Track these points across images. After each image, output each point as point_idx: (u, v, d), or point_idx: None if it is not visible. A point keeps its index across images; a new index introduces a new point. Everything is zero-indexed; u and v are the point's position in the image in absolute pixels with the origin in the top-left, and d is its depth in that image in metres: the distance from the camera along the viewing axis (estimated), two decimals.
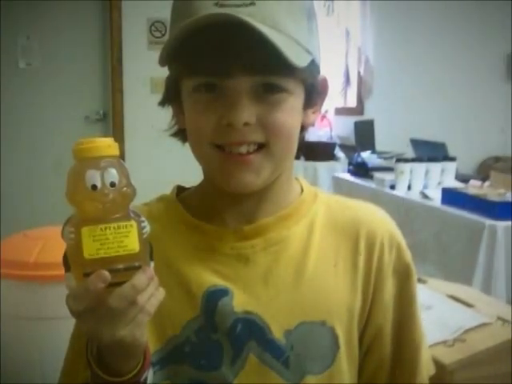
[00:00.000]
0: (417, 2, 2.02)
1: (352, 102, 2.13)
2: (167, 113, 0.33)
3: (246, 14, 0.27)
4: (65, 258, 0.25)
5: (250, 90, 0.28)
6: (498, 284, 0.96)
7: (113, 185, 0.24)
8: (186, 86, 0.30)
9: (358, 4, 2.02)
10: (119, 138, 1.74)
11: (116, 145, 0.25)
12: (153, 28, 1.78)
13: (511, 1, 2.01)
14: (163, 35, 1.78)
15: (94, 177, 0.24)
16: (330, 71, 2.00)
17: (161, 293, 0.25)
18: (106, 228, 0.24)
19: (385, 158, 1.58)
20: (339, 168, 1.71)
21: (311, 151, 1.69)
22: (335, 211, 0.34)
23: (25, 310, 0.76)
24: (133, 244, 0.24)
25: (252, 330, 0.30)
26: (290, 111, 0.30)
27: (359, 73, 2.08)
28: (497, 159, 2.06)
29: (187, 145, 0.32)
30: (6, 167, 1.74)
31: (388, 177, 1.33)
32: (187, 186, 0.35)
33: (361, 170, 1.49)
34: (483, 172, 1.78)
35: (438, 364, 0.46)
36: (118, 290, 0.24)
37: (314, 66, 0.30)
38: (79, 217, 0.25)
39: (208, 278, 0.31)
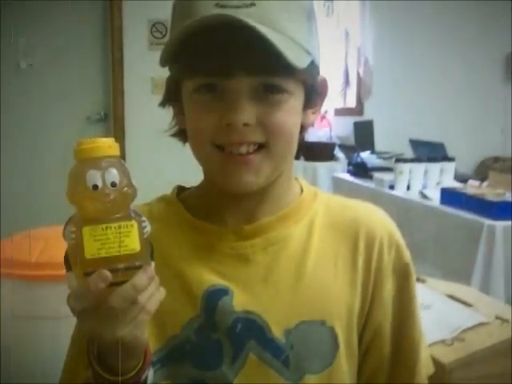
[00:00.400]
0: (416, 3, 2.02)
1: (351, 103, 2.14)
2: (168, 113, 0.33)
3: (246, 15, 0.27)
4: (66, 257, 0.25)
5: (250, 91, 0.29)
6: (496, 283, 0.96)
7: (114, 185, 0.24)
8: (187, 86, 0.30)
9: (358, 5, 2.02)
10: (120, 138, 1.74)
11: (117, 145, 0.25)
12: (153, 29, 1.78)
13: (511, 1, 2.02)
14: (164, 36, 1.78)
15: (95, 177, 0.24)
16: (330, 72, 2.01)
17: (161, 292, 0.25)
18: (106, 228, 0.24)
19: (384, 158, 1.58)
20: (339, 168, 1.71)
21: (311, 151, 1.69)
22: (335, 211, 0.34)
23: (26, 309, 0.77)
24: (134, 244, 0.25)
25: (252, 329, 0.30)
26: (289, 111, 0.30)
27: (358, 73, 2.08)
28: (496, 159, 2.06)
29: (188, 145, 0.32)
30: (8, 167, 1.74)
31: (387, 177, 1.34)
32: (187, 186, 0.36)
33: (360, 170, 1.49)
34: (482, 172, 1.79)
35: (436, 363, 0.46)
36: (119, 289, 0.24)
37: (313, 66, 0.30)
38: (80, 217, 0.25)
39: (208, 277, 0.31)
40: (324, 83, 0.33)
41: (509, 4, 2.04)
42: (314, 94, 0.31)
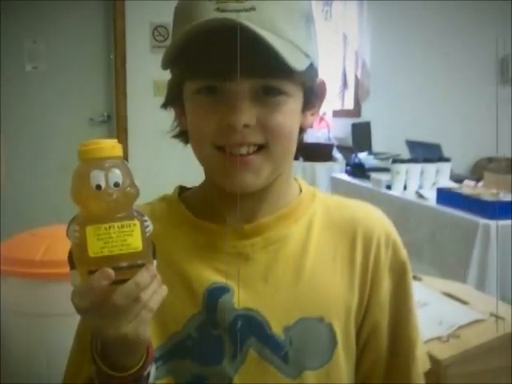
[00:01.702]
0: (413, 6, 2.05)
1: (349, 105, 2.16)
2: (170, 115, 0.34)
3: (246, 19, 0.27)
4: (70, 256, 0.25)
5: (250, 93, 0.29)
6: (491, 281, 0.98)
7: (117, 185, 0.25)
8: (188, 88, 0.31)
9: (356, 9, 2.04)
10: (123, 139, 1.75)
11: (120, 146, 0.26)
12: (155, 32, 1.80)
13: (511, 5, 2.05)
14: (165, 39, 1.80)
15: (98, 177, 0.25)
16: (328, 74, 2.02)
17: (163, 290, 0.26)
18: (109, 227, 0.25)
19: (381, 159, 1.59)
20: (337, 169, 1.73)
21: (310, 152, 1.70)
22: (333, 211, 0.34)
23: (30, 307, 0.77)
24: (136, 242, 0.25)
25: (252, 326, 0.31)
26: (289, 113, 0.30)
27: (356, 76, 2.10)
28: (490, 160, 2.09)
29: (189, 146, 0.33)
30: (12, 168, 1.73)
31: (384, 177, 1.35)
32: (189, 186, 0.36)
33: (358, 170, 1.51)
34: (477, 172, 1.81)
35: (432, 359, 0.47)
36: (122, 287, 0.24)
37: (312, 69, 0.31)
38: (84, 216, 0.25)
39: (209, 275, 0.31)
40: (322, 85, 0.33)
41: (504, 6, 2.07)
42: (312, 95, 0.32)
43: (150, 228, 0.26)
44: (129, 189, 0.25)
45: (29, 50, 1.75)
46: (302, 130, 0.33)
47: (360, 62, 2.07)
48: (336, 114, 2.09)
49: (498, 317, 0.59)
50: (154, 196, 0.36)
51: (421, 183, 1.28)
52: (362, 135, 1.90)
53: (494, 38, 2.08)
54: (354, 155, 1.61)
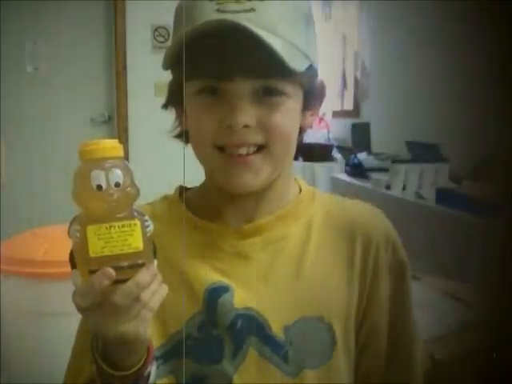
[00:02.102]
0: (412, 8, 2.05)
1: (349, 105, 2.17)
2: (170, 115, 0.34)
3: (246, 20, 0.28)
4: (71, 255, 0.26)
5: (250, 93, 0.29)
6: (490, 281, 0.98)
7: (117, 185, 0.25)
8: (188, 89, 0.31)
9: (355, 10, 2.06)
10: (123, 139, 1.75)
11: (120, 146, 0.26)
12: (156, 33, 1.80)
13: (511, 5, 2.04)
14: (166, 40, 1.81)
15: (99, 177, 0.25)
16: (328, 75, 2.04)
17: (164, 290, 0.26)
18: (110, 227, 0.25)
19: (380, 159, 1.60)
20: (336, 169, 1.73)
21: (309, 152, 1.70)
22: (333, 211, 0.35)
23: (31, 306, 0.77)
24: (137, 242, 0.25)
25: (252, 325, 0.31)
26: (288, 114, 0.30)
27: (356, 77, 2.12)
28: (489, 160, 2.09)
29: (190, 146, 0.33)
30: (13, 168, 1.72)
31: (384, 177, 1.36)
32: (189, 186, 0.36)
33: (357, 170, 1.52)
34: (476, 173, 1.81)
35: (432, 359, 0.47)
36: (122, 286, 0.24)
37: (311, 70, 0.31)
38: (85, 216, 0.25)
39: (209, 275, 0.32)
40: (322, 86, 0.33)
41: (504, 6, 2.07)
42: (312, 96, 0.32)
43: (151, 228, 0.26)
44: (129, 189, 0.26)
45: (30, 51, 1.76)
46: (301, 131, 0.33)
47: (359, 63, 2.08)
48: (335, 114, 2.11)
49: (497, 316, 0.59)
50: (155, 196, 0.36)
51: (420, 183, 1.29)
52: (361, 136, 1.91)
53: (494, 38, 2.09)
54: (353, 155, 1.62)
